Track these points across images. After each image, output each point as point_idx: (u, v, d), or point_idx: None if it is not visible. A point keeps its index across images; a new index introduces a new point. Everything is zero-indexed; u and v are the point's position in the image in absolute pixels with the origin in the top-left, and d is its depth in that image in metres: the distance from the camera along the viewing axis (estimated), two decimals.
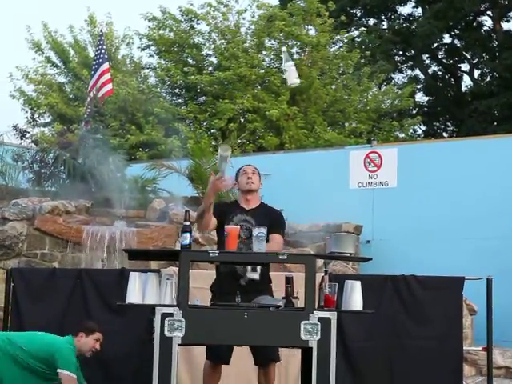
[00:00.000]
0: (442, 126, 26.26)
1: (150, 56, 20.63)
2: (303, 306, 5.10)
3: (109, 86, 12.77)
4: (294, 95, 18.48)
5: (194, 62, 19.39)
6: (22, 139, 12.32)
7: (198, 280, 6.02)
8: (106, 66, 12.85)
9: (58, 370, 5.86)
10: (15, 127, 12.27)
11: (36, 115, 19.26)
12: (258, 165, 11.55)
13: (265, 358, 5.85)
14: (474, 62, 25.28)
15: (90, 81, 13.15)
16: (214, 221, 5.85)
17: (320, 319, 5.03)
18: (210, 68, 19.48)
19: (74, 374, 5.87)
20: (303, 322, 5.02)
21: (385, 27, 25.81)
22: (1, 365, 5.92)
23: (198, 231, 9.55)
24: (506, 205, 10.88)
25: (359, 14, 25.68)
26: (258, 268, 5.81)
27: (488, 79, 24.91)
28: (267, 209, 6.13)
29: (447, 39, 25.36)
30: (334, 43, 20.68)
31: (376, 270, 8.27)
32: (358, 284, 5.29)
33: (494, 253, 10.46)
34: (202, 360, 6.04)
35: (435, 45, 25.01)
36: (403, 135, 20.31)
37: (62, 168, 11.18)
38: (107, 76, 12.76)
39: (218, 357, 5.81)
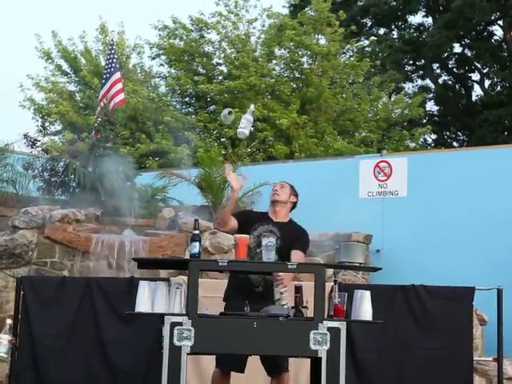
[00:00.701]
0: (453, 136, 26.22)
1: (161, 65, 20.76)
2: (312, 315, 5.09)
3: (121, 96, 12.79)
4: (304, 104, 18.52)
5: (204, 71, 19.45)
6: (32, 148, 12.32)
7: (207, 289, 6.02)
8: (117, 75, 12.87)
9: None
10: (26, 136, 12.28)
11: (46, 124, 19.32)
12: (268, 174, 11.64)
13: (277, 368, 5.82)
14: (485, 71, 25.25)
15: (100, 90, 13.17)
16: (233, 222, 5.90)
17: (329, 329, 5.02)
18: (220, 77, 19.54)
19: None
20: (312, 332, 5.01)
21: (395, 37, 25.82)
22: None
23: (207, 239, 9.57)
24: None
25: (369, 24, 25.69)
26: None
27: (498, 89, 24.88)
28: (295, 226, 6.16)
29: (457, 49, 25.36)
30: (344, 52, 20.73)
31: (386, 280, 8.23)
32: (367, 294, 5.28)
33: (505, 263, 10.41)
34: (211, 369, 6.01)
35: (445, 54, 25.00)
36: (413, 144, 20.29)
37: (72, 177, 11.19)
38: (119, 85, 12.78)
39: (229, 365, 5.79)
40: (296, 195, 6.26)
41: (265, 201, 11.58)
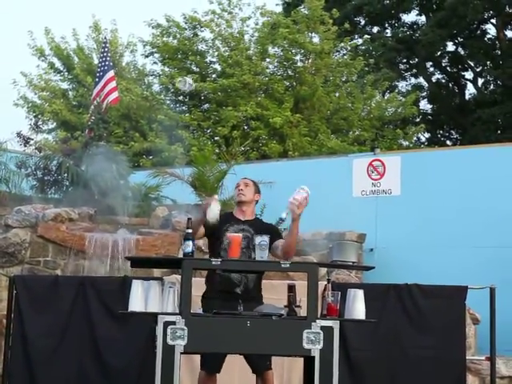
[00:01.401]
0: (446, 134, 26.26)
1: (154, 63, 20.71)
2: (306, 314, 5.09)
3: (115, 94, 12.77)
4: (298, 103, 18.51)
5: (198, 70, 19.44)
6: (25, 146, 12.28)
7: (200, 288, 6.01)
8: (111, 73, 12.85)
9: None
10: (19, 134, 12.24)
11: (40, 122, 19.28)
12: (261, 172, 11.62)
13: (261, 367, 5.83)
14: (478, 70, 25.29)
15: (93, 88, 13.15)
16: (201, 231, 5.86)
17: (322, 328, 5.02)
18: (214, 75, 19.52)
19: None
20: (306, 331, 5.01)
21: (388, 35, 25.83)
22: None
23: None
24: (509, 213, 10.85)
25: (363, 22, 25.70)
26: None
27: (492, 87, 24.92)
28: (262, 222, 6.22)
29: (451, 47, 25.39)
30: (337, 51, 20.71)
31: (379, 279, 8.24)
32: (360, 293, 5.29)
33: (498, 262, 10.43)
34: None
35: (439, 53, 25.03)
36: (407, 143, 20.31)
37: (66, 175, 11.17)
38: (113, 84, 12.76)
39: (212, 367, 5.80)
40: (259, 192, 6.24)
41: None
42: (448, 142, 25.52)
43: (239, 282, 5.80)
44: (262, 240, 5.35)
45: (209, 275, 5.94)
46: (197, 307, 5.49)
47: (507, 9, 23.66)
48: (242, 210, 6.06)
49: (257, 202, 6.22)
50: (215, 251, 5.86)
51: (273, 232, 5.82)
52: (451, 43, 25.12)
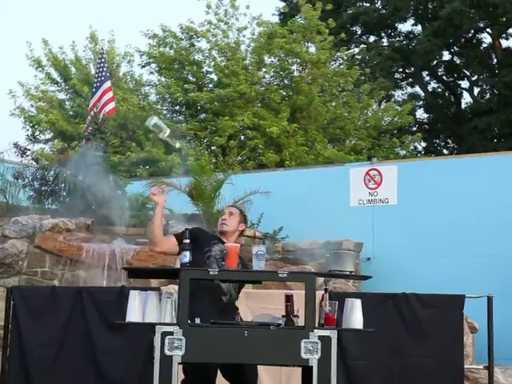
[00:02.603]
0: (443, 143, 26.30)
1: (151, 73, 20.75)
2: (303, 324, 5.09)
3: (112, 105, 12.80)
4: (295, 112, 18.55)
5: (195, 79, 19.47)
6: (22, 157, 12.28)
7: None
8: (108, 84, 12.88)
9: None
10: (16, 145, 12.25)
11: (37, 132, 19.31)
12: (258, 182, 11.64)
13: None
14: (474, 79, 25.35)
15: (90, 98, 13.17)
16: (168, 243, 5.86)
17: (320, 338, 5.02)
18: (211, 85, 19.57)
19: None
20: (303, 341, 5.00)
21: (385, 44, 25.90)
22: None
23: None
24: (506, 222, 10.87)
25: (359, 32, 25.79)
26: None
27: (488, 96, 24.97)
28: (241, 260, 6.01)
29: (447, 56, 25.47)
30: (333, 60, 20.79)
31: (376, 287, 8.25)
32: (358, 302, 5.28)
33: (495, 270, 10.45)
34: None
35: (435, 62, 25.09)
36: (403, 152, 20.34)
37: (63, 186, 11.17)
38: (110, 94, 12.78)
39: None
40: (245, 222, 6.11)
41: (255, 209, 11.63)
42: (445, 151, 25.57)
43: (227, 292, 5.80)
44: (259, 250, 5.35)
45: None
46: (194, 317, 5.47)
47: (502, 18, 23.72)
48: (225, 238, 5.97)
49: (241, 231, 6.09)
50: (198, 262, 5.70)
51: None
52: (447, 52, 25.20)
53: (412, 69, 25.19)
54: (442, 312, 7.28)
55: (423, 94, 25.75)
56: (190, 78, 19.59)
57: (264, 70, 19.33)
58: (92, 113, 12.50)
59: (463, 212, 11.20)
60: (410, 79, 26.00)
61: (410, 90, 26.18)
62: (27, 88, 20.01)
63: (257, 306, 6.95)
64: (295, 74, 19.14)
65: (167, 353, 4.91)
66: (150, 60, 20.27)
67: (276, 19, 23.38)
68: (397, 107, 21.28)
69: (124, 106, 18.04)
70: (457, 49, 25.14)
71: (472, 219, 11.09)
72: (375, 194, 12.01)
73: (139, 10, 39.49)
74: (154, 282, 8.38)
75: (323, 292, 5.44)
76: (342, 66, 20.41)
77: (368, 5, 25.09)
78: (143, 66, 20.61)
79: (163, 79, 20.23)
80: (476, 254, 10.80)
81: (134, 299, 5.10)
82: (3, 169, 11.69)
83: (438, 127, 25.37)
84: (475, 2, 22.12)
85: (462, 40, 24.77)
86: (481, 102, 24.68)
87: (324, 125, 19.01)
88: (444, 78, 25.97)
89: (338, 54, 20.39)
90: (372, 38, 26.11)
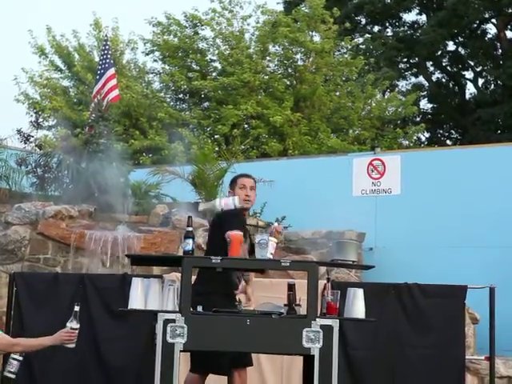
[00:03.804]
0: (446, 134, 26.27)
1: (155, 61, 20.72)
2: (305, 313, 5.09)
3: (115, 92, 12.75)
4: (298, 102, 18.52)
5: (198, 68, 19.44)
6: (25, 143, 12.28)
7: None
8: (111, 71, 12.84)
9: None
10: (19, 131, 12.24)
11: (40, 119, 19.28)
12: (261, 171, 11.61)
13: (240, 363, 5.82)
14: (478, 69, 25.30)
15: (94, 85, 13.14)
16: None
17: (322, 327, 5.02)
18: (214, 73, 19.53)
19: None
20: (305, 330, 5.01)
21: (389, 34, 25.85)
22: None
23: (200, 236, 9.55)
24: (509, 213, 10.86)
25: (364, 21, 25.71)
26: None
27: (492, 87, 24.93)
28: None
29: (451, 47, 25.41)
30: (338, 50, 20.71)
31: (378, 278, 8.25)
32: (360, 292, 5.28)
33: (498, 262, 10.43)
34: None
35: (439, 52, 25.04)
36: (407, 142, 20.31)
37: (66, 172, 11.17)
38: (113, 82, 12.74)
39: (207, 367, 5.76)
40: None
41: (258, 198, 11.56)
42: (448, 142, 25.53)
43: (237, 284, 5.83)
44: (261, 239, 5.34)
45: (208, 275, 5.88)
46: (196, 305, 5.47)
47: (507, 9, 23.65)
48: (244, 214, 5.98)
49: None
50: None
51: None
52: (452, 43, 25.15)
53: (416, 59, 25.13)
54: (444, 302, 7.30)
55: (427, 85, 25.71)
56: (194, 67, 19.57)
57: (268, 58, 19.30)
58: (96, 100, 12.47)
59: (466, 203, 11.19)
60: (415, 69, 25.94)
61: (414, 80, 26.17)
62: (31, 75, 20.00)
63: (259, 294, 6.95)
64: (299, 63, 19.11)
65: (169, 340, 4.92)
66: (154, 48, 20.23)
67: (280, 8, 23.34)
68: (401, 97, 21.24)
69: (128, 94, 18.02)
70: (461, 39, 25.08)
71: (475, 210, 11.07)
72: (378, 184, 12.00)
73: None
74: (155, 270, 8.40)
75: (325, 281, 5.44)
76: (346, 56, 20.36)
77: None
78: (147, 54, 20.59)
79: (167, 67, 20.21)
80: (478, 245, 10.80)
81: (137, 286, 5.10)
82: (6, 155, 11.69)
83: (442, 118, 25.34)
84: None
85: (467, 31, 24.70)
86: (485, 92, 24.64)
87: (328, 114, 18.99)
88: (448, 68, 25.91)
89: (343, 43, 20.32)
90: (376, 28, 26.04)
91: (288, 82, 19.11)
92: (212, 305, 5.26)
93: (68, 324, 5.36)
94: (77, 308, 5.38)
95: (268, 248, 5.20)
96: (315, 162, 13.47)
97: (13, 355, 5.53)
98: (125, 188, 11.26)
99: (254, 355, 5.90)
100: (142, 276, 5.38)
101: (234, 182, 6.11)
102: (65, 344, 5.39)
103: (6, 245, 9.42)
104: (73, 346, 5.41)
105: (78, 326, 5.35)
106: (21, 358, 5.53)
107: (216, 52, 19.60)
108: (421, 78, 26.00)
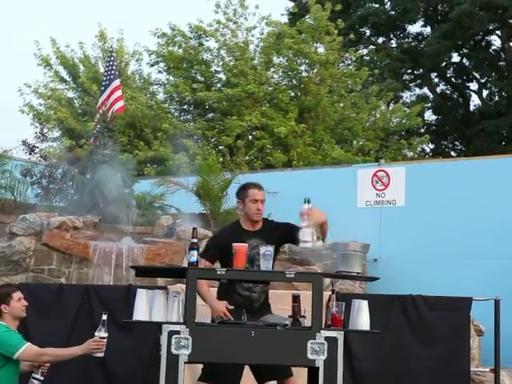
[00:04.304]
0: (451, 145, 26.25)
1: (159, 72, 20.77)
2: (310, 324, 5.09)
3: (120, 103, 12.77)
4: (303, 113, 18.54)
5: (203, 79, 19.48)
6: (30, 154, 12.31)
7: None
8: (117, 82, 12.86)
9: (15, 356, 5.59)
10: (24, 142, 12.27)
11: (45, 130, 19.32)
12: (266, 182, 11.55)
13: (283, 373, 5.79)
14: (483, 81, 25.29)
15: (99, 96, 13.17)
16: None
17: (327, 338, 5.02)
18: (219, 85, 19.57)
19: (26, 344, 5.63)
20: (310, 341, 5.01)
21: (393, 46, 25.86)
22: None
23: None
24: None
25: (368, 33, 25.73)
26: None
27: (496, 99, 24.92)
28: (272, 225, 6.09)
29: (456, 58, 25.42)
30: (342, 61, 20.74)
31: (383, 289, 8.24)
32: (365, 303, 5.28)
33: (503, 274, 10.42)
34: None
35: (444, 64, 25.04)
36: (411, 154, 20.31)
37: (71, 183, 11.19)
38: (118, 93, 12.76)
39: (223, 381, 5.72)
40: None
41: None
42: (452, 153, 25.50)
43: (258, 299, 5.82)
44: (266, 250, 5.35)
45: (228, 293, 5.84)
46: (201, 317, 5.48)
47: None
48: (255, 224, 5.98)
49: None
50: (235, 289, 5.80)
51: (288, 229, 5.83)
52: (456, 54, 25.15)
53: (421, 70, 25.13)
54: (449, 314, 7.30)
55: (432, 96, 25.71)
56: (199, 78, 19.61)
57: (272, 70, 19.33)
58: (101, 111, 12.50)
59: (471, 214, 11.17)
60: (419, 81, 25.94)
61: (418, 91, 26.16)
62: (36, 87, 20.05)
63: None
64: (304, 74, 19.13)
65: (174, 352, 4.92)
66: (159, 59, 20.28)
67: (285, 19, 23.37)
68: (405, 109, 21.24)
69: (132, 105, 18.06)
70: (466, 51, 25.08)
71: (480, 221, 11.06)
72: (383, 195, 11.99)
73: (148, 9, 39.50)
74: (160, 281, 8.39)
75: (330, 293, 5.44)
76: (350, 67, 20.39)
77: (377, 6, 25.04)
78: (152, 65, 20.65)
79: (171, 78, 20.24)
80: (483, 256, 10.77)
81: (141, 298, 5.11)
82: (11, 166, 11.71)
83: (446, 129, 25.32)
84: (485, 4, 22.05)
85: (471, 42, 24.71)
86: (489, 104, 24.63)
87: (332, 125, 19.00)
88: (453, 79, 25.92)
89: (347, 54, 20.36)
90: (381, 39, 26.07)
91: (292, 93, 19.14)
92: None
93: (96, 333, 5.38)
94: (104, 317, 5.40)
95: (307, 237, 5.19)
96: (319, 173, 13.48)
97: (34, 375, 5.57)
98: (129, 199, 11.27)
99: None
100: (146, 287, 5.38)
101: (243, 193, 6.05)
102: (93, 353, 5.40)
103: (11, 256, 9.41)
104: (101, 354, 5.43)
105: (106, 334, 5.38)
106: (42, 378, 5.58)
107: (220, 63, 19.64)
108: (425, 90, 26.02)
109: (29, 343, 5.65)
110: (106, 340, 5.40)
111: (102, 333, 5.38)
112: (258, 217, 5.96)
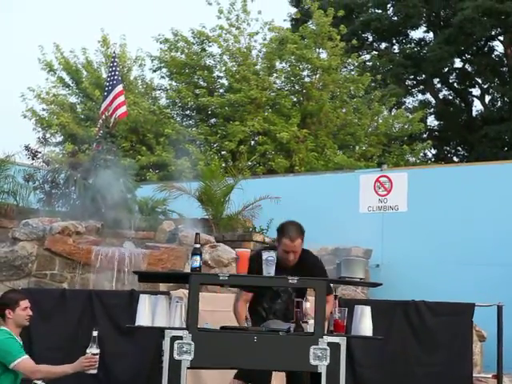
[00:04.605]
0: (453, 151, 26.25)
1: (162, 77, 20.78)
2: (313, 330, 5.08)
3: (123, 109, 12.77)
4: (305, 118, 18.55)
5: (205, 84, 19.49)
6: (33, 159, 12.31)
7: (207, 303, 6.01)
8: (119, 88, 12.86)
9: (11, 366, 5.55)
10: (27, 147, 12.28)
11: (48, 135, 19.34)
12: (268, 187, 11.63)
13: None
14: (485, 86, 25.30)
15: (102, 102, 13.17)
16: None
17: (329, 344, 5.01)
18: (221, 90, 19.59)
19: (23, 356, 5.61)
20: (312, 347, 5.00)
21: (396, 51, 25.87)
22: None
23: (207, 253, 9.54)
24: None
25: (370, 38, 25.76)
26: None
27: (499, 104, 24.92)
28: (307, 261, 5.97)
29: (458, 64, 25.43)
30: (345, 67, 20.76)
31: (385, 295, 8.24)
32: (367, 309, 5.27)
33: (505, 279, 10.41)
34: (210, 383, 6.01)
35: (446, 69, 25.04)
36: (414, 159, 20.30)
37: (73, 188, 11.19)
38: (121, 98, 12.76)
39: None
40: (303, 233, 5.98)
41: (264, 215, 11.64)
42: (455, 159, 25.50)
43: (284, 315, 5.83)
44: (269, 256, 5.34)
45: (252, 308, 5.91)
46: (204, 322, 5.48)
47: None
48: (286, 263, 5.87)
49: None
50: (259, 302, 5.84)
51: (316, 272, 5.75)
52: (458, 60, 25.16)
53: (423, 76, 25.14)
54: (452, 320, 7.28)
55: (434, 102, 25.72)
56: (201, 83, 19.62)
57: (275, 75, 19.35)
58: (103, 116, 12.51)
59: (473, 220, 11.17)
60: (421, 86, 25.96)
61: (421, 97, 26.18)
62: (38, 92, 20.08)
63: None
64: (306, 79, 19.15)
65: (176, 357, 4.91)
66: (161, 64, 20.31)
67: (288, 25, 23.43)
68: (407, 114, 21.24)
69: (135, 110, 18.08)
70: (468, 56, 25.10)
71: (482, 227, 11.06)
72: (385, 200, 12.00)
73: (151, 15, 39.60)
74: (162, 286, 8.39)
75: (333, 298, 5.43)
76: (353, 73, 20.41)
77: (380, 11, 25.06)
78: (154, 71, 20.67)
79: (174, 83, 20.27)
80: (486, 262, 10.77)
81: (144, 303, 5.10)
82: (14, 171, 11.72)
83: (449, 135, 25.32)
84: (487, 10, 22.07)
85: (474, 48, 24.73)
86: (492, 109, 24.64)
87: (334, 131, 19.01)
88: (455, 85, 25.92)
89: (349, 60, 20.38)
90: (383, 45, 26.09)
91: (295, 99, 19.16)
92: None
93: (88, 350, 5.36)
94: (95, 333, 5.37)
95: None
96: (322, 178, 13.49)
97: (35, 380, 5.55)
98: (132, 204, 11.29)
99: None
100: (148, 292, 5.38)
101: (279, 236, 5.97)
102: (86, 370, 5.39)
103: (13, 260, 9.42)
104: (94, 371, 5.40)
105: (98, 351, 5.35)
106: None
107: (223, 68, 19.66)
108: (428, 95, 26.03)
109: (27, 356, 5.63)
110: (97, 356, 5.37)
111: (93, 349, 5.36)
112: (290, 263, 5.83)
